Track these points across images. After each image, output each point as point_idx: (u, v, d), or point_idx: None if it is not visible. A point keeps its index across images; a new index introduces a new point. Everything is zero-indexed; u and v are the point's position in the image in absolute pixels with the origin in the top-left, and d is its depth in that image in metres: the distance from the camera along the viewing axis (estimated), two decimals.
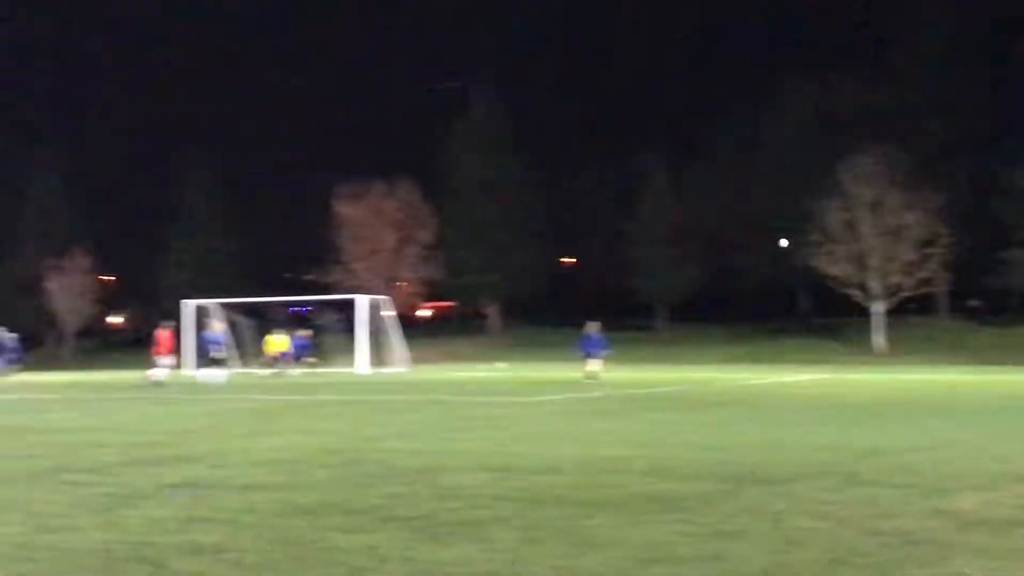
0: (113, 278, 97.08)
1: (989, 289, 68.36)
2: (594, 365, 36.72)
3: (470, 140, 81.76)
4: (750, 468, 13.02)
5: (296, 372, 49.57)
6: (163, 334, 42.48)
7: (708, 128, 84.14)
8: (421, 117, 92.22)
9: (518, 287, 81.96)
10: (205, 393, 33.64)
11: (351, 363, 53.27)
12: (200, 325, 57.14)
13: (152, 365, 42.17)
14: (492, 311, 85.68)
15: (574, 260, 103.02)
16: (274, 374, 48.82)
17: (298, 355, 50.18)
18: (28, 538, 9.25)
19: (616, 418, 21.72)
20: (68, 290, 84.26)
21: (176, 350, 42.12)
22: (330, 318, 58.25)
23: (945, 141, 68.25)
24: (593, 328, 37.39)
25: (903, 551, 8.33)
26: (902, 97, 69.44)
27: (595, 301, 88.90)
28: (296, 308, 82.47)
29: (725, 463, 13.58)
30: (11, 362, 47.28)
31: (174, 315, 62.16)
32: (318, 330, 57.98)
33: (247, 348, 57.02)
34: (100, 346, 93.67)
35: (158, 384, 39.27)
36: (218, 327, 44.79)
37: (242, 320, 58.25)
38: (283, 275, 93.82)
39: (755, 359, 61.46)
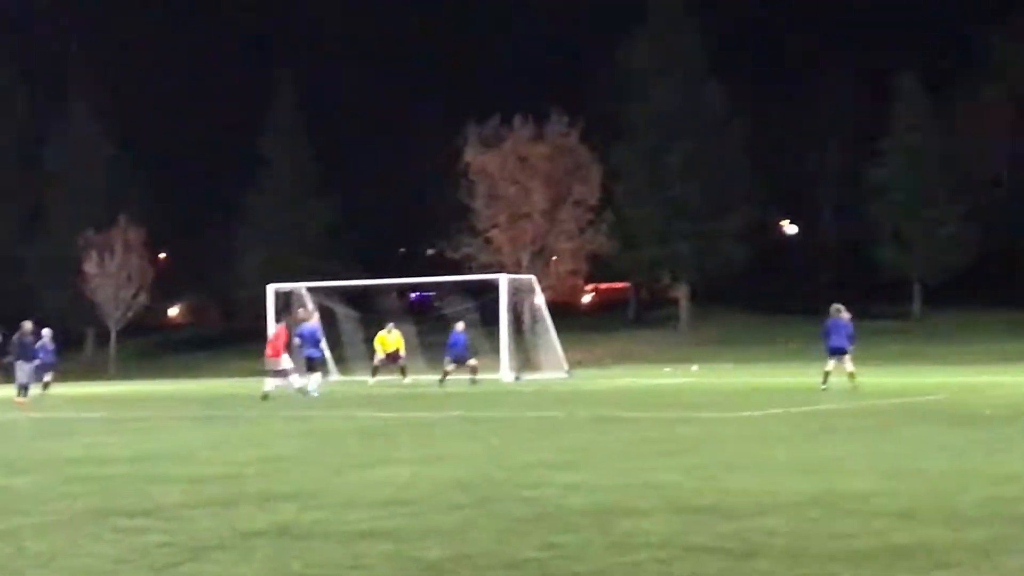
0: (167, 257, 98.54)
1: None
2: (845, 364, 36.19)
3: (649, 60, 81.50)
4: None
5: (410, 380, 49.85)
6: (281, 330, 43.38)
7: (978, 36, 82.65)
8: (580, 30, 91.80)
9: (717, 262, 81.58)
10: (294, 409, 34.10)
11: (489, 368, 53.59)
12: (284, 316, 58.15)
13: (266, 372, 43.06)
14: (680, 294, 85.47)
15: (793, 225, 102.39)
16: (393, 382, 49.27)
17: (457, 357, 49.37)
18: None
19: (856, 439, 21.49)
20: (112, 273, 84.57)
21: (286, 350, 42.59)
22: (459, 307, 58.56)
23: None
24: (842, 313, 37.16)
25: None
26: None
27: (825, 280, 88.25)
28: (417, 294, 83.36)
29: (1009, 500, 13.35)
30: (45, 368, 48.04)
31: (252, 304, 63.29)
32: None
33: (349, 347, 57.76)
34: (155, 346, 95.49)
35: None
36: (311, 318, 45.31)
37: (342, 310, 59.01)
38: (397, 250, 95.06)
39: None
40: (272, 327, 55.93)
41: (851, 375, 35.55)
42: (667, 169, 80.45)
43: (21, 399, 40.16)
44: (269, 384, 40.83)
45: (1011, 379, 42.71)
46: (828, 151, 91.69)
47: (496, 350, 53.64)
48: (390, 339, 51.72)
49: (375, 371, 51.38)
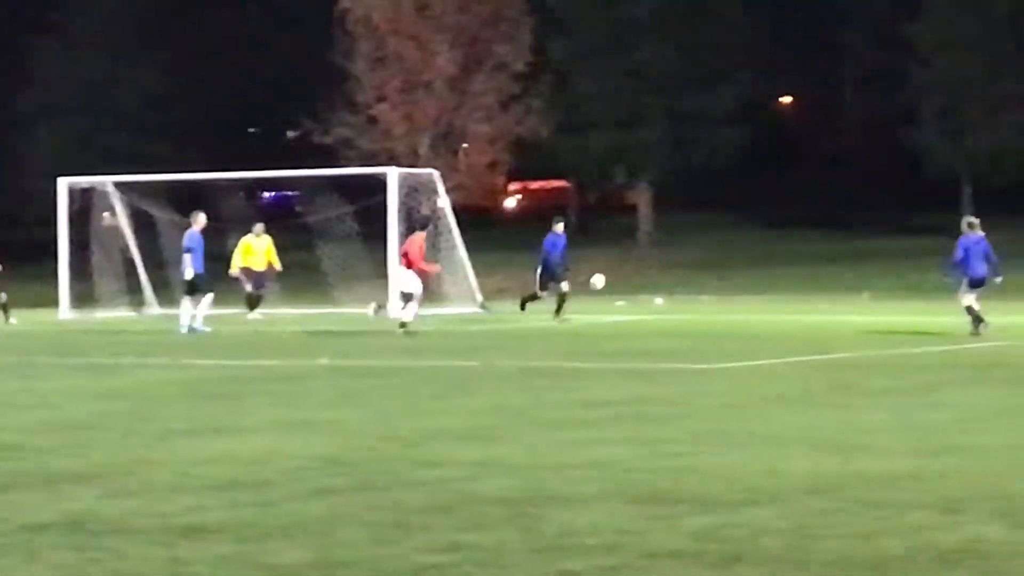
0: None
1: None
2: (969, 299, 35.53)
3: None
4: None
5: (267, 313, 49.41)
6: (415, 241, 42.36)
7: None
8: None
9: (698, 154, 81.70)
10: (102, 352, 34.09)
11: (370, 298, 53.62)
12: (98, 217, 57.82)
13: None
14: (641, 199, 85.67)
15: (794, 100, 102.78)
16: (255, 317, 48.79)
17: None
18: None
19: (885, 403, 21.70)
20: None
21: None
22: (332, 212, 58.43)
23: None
24: (977, 228, 36.38)
25: None
26: None
27: (845, 180, 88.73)
28: (273, 193, 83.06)
29: None
30: None
31: (40, 203, 62.87)
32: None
33: (176, 268, 57.54)
34: None
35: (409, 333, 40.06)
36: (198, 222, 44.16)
37: (166, 215, 58.76)
38: (245, 131, 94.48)
39: None
40: (66, 244, 55.72)
41: (979, 314, 35.06)
42: (630, 21, 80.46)
43: None
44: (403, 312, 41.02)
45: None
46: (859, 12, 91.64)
47: (384, 275, 53.60)
48: (258, 246, 50.37)
49: (253, 299, 50.11)
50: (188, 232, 43.49)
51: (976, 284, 34.74)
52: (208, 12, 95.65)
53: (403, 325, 39.81)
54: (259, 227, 50.92)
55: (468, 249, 55.32)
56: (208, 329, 41.28)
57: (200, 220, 44.05)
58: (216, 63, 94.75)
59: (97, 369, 29.88)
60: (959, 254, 35.05)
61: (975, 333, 34.32)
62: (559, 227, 48.62)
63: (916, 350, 31.88)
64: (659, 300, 55.69)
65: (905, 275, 60.44)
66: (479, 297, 54.23)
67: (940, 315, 40.73)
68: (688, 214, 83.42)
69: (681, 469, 15.02)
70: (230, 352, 34.55)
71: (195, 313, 41.54)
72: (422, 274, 41.13)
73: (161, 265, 57.64)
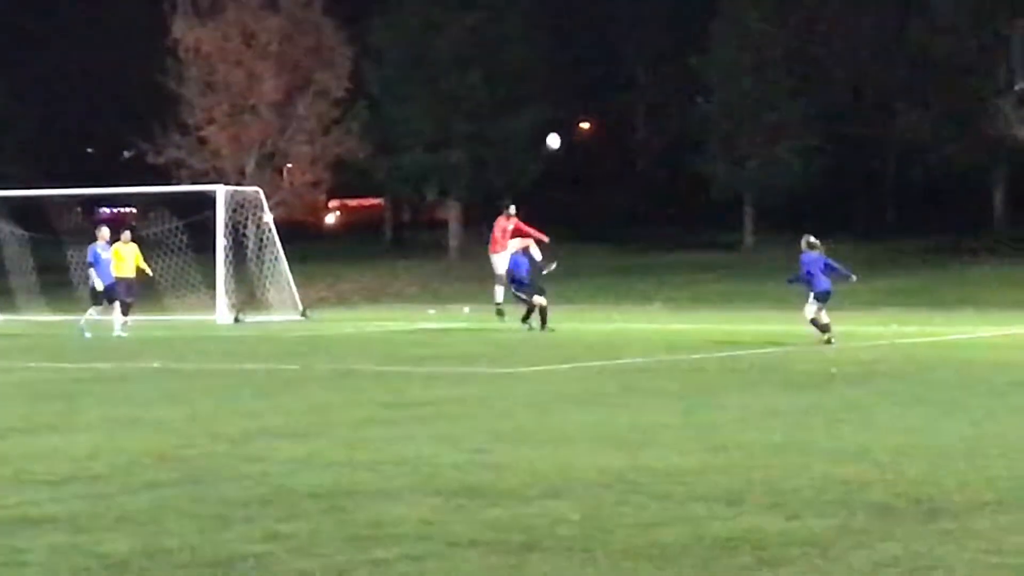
0: None
1: None
2: (811, 311, 34.13)
3: None
4: (902, 490, 13.10)
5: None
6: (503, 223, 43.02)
7: None
8: None
9: (501, 173, 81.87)
10: None
11: (201, 307, 53.35)
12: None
13: None
14: (450, 215, 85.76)
15: (591, 126, 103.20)
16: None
17: None
18: None
19: (670, 403, 21.81)
20: None
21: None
22: (163, 226, 58.07)
23: None
24: (813, 243, 34.54)
25: None
26: None
27: (635, 199, 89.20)
28: (109, 210, 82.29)
29: (858, 482, 13.65)
30: None
31: None
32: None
33: (15, 276, 57.06)
34: None
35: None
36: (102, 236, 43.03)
37: (5, 227, 58.18)
38: (84, 151, 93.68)
39: (913, 298, 61.50)
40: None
41: (828, 326, 34.15)
42: (439, 52, 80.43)
43: None
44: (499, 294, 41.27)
45: (863, 328, 43.60)
46: (646, 34, 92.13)
47: (211, 285, 53.37)
48: (126, 252, 45.99)
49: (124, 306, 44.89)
50: (90, 247, 42.43)
51: (822, 298, 33.67)
52: (50, 39, 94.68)
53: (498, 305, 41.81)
54: (126, 235, 46.97)
55: (290, 260, 55.19)
56: (123, 334, 40.73)
57: (103, 235, 43.03)
58: (56, 88, 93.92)
59: None
60: (803, 270, 34.12)
61: (826, 341, 33.62)
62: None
63: (700, 355, 32.11)
64: (466, 309, 55.73)
65: (693, 286, 60.86)
66: (300, 305, 54.11)
67: (725, 323, 41.10)
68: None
69: (482, 464, 15.05)
70: (67, 356, 34.22)
71: (114, 319, 40.82)
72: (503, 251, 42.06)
73: (2, 274, 57.17)
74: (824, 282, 32.52)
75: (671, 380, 26.23)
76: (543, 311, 41.74)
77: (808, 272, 32.54)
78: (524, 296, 42.37)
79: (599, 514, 12.15)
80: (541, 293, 42.22)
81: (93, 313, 40.79)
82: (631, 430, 18.07)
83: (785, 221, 74.45)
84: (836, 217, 78.36)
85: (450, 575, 10.02)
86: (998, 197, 76.36)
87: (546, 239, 43.35)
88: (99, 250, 41.61)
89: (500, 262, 42.31)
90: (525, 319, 42.39)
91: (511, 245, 42.57)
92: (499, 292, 42.49)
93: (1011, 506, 12.34)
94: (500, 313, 41.08)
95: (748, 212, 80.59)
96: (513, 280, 42.48)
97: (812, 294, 33.40)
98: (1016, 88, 61.57)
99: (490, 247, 43.44)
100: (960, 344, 36.69)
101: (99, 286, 41.14)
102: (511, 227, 43.10)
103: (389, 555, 10.60)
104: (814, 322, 34.13)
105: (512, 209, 43.78)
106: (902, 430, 17.80)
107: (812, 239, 33.98)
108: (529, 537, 11.22)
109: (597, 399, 22.59)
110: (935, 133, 72.15)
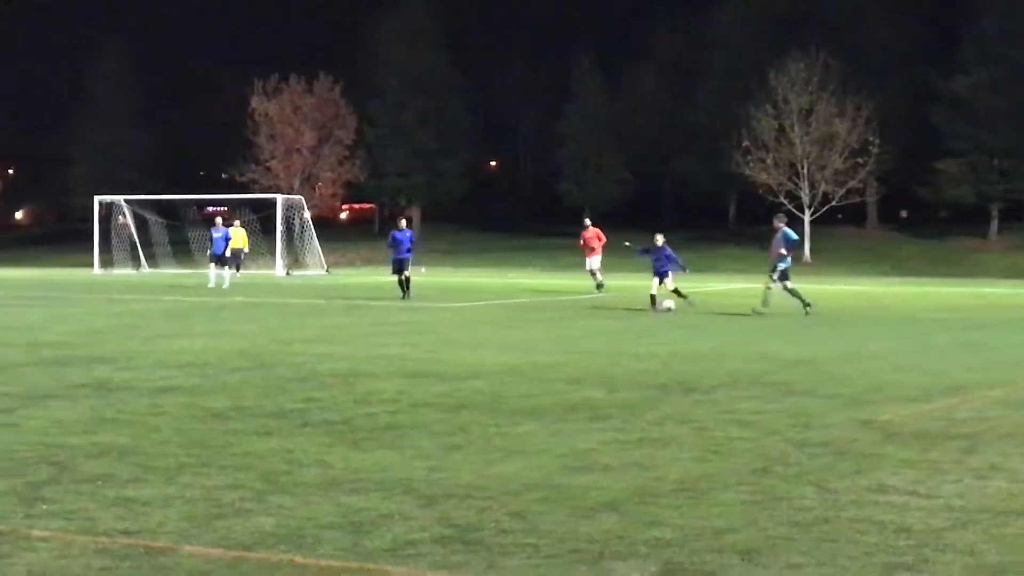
0: (11, 171, 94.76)
1: (920, 200, 69.19)
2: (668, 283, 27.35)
3: (395, 36, 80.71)
4: (676, 377, 13.15)
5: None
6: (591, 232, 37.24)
7: (645, 30, 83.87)
8: (344, 11, 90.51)
9: (441, 190, 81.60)
10: (116, 293, 33.26)
11: (267, 266, 52.87)
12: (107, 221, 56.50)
13: None
14: (414, 214, 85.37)
15: (494, 163, 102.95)
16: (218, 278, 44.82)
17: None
18: None
19: (541, 326, 21.80)
20: None
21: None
22: (243, 218, 57.43)
23: (881, 48, 68.67)
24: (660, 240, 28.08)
25: (828, 460, 8.45)
26: (838, 2, 69.74)
27: (522, 206, 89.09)
28: (211, 207, 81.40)
29: (653, 372, 13.70)
30: None
31: (82, 210, 61.15)
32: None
33: (158, 246, 56.57)
34: (3, 242, 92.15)
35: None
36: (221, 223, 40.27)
37: (153, 217, 57.60)
38: (202, 173, 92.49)
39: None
40: (97, 232, 54.50)
41: (676, 291, 27.15)
42: (408, 119, 79.82)
43: None
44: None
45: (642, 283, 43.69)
46: (529, 109, 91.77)
47: (272, 252, 52.96)
48: (238, 233, 43.50)
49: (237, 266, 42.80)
50: (212, 229, 39.39)
51: (660, 276, 27.00)
52: (182, 107, 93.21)
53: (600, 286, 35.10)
54: (237, 223, 44.73)
55: (319, 239, 54.84)
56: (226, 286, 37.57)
57: (219, 222, 39.98)
58: (182, 134, 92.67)
59: (111, 301, 29.20)
60: (653, 256, 27.58)
61: (663, 309, 25.66)
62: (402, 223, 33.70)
63: (559, 299, 32.10)
64: (423, 270, 55.33)
65: (554, 259, 60.74)
66: (325, 266, 53.75)
67: (574, 280, 40.93)
68: (439, 223, 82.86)
69: (431, 360, 15.00)
70: (188, 293, 33.84)
71: (225, 274, 38.17)
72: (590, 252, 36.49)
73: (153, 245, 56.68)
74: (664, 265, 27.25)
75: (542, 312, 26.23)
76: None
77: (656, 257, 27.39)
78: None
79: (500, 389, 12.14)
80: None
81: (213, 268, 39.29)
82: (519, 340, 18.06)
83: (609, 221, 74.64)
84: (640, 219, 78.70)
85: (414, 422, 9.99)
86: (732, 208, 76.69)
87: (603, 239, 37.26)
88: (216, 232, 40.02)
89: (594, 262, 36.49)
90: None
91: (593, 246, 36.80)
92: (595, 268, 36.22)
93: (741, 385, 12.44)
94: (599, 286, 35.02)
95: (587, 214, 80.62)
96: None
97: (655, 274, 27.39)
98: (743, 145, 61.78)
99: (590, 251, 36.84)
100: (703, 293, 36.84)
101: (226, 251, 38.46)
102: (591, 232, 37.17)
103: (377, 411, 10.58)
104: (675, 292, 27.30)
105: (588, 221, 38.63)
106: (673, 342, 17.88)
107: (659, 236, 28.22)
108: (459, 402, 11.21)
109: (499, 322, 22.55)
110: (696, 171, 72.59)
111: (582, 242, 37.62)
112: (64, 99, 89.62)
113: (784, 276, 25.03)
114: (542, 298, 32.09)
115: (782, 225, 25.39)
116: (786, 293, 24.71)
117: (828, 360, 15.20)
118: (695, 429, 9.73)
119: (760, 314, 23.97)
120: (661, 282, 26.78)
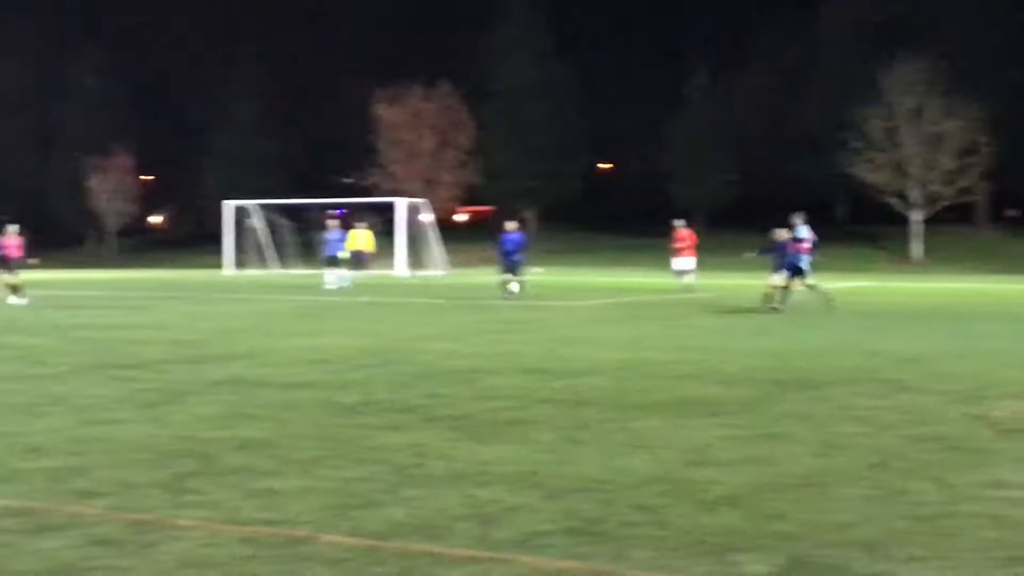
0: (153, 178, 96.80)
1: None
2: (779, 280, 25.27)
3: (511, 43, 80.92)
4: (794, 374, 13.01)
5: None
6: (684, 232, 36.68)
7: (754, 33, 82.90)
8: (462, 20, 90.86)
9: (556, 192, 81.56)
10: (247, 292, 33.79)
11: (390, 266, 53.34)
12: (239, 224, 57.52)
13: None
14: (529, 216, 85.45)
15: (610, 165, 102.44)
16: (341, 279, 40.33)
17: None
18: (76, 431, 9.34)
19: (656, 324, 21.71)
20: (109, 189, 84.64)
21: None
22: (367, 220, 57.97)
23: (989, 48, 67.21)
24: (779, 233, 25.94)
25: (943, 456, 8.30)
26: (946, 3, 68.41)
27: (633, 208, 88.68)
28: (339, 211, 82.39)
29: (769, 369, 13.57)
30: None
31: (216, 213, 62.20)
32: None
33: (288, 247, 57.48)
34: (141, 245, 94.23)
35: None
36: (334, 225, 39.93)
37: (282, 220, 58.51)
38: (327, 177, 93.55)
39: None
40: (228, 235, 55.51)
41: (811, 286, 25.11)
42: (523, 124, 79.96)
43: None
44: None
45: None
46: (640, 112, 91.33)
47: (392, 254, 53.47)
48: (362, 235, 42.15)
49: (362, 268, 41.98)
50: (329, 231, 39.06)
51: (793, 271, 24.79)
52: (304, 116, 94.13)
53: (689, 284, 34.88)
54: (363, 224, 43.23)
55: (440, 241, 55.19)
56: (345, 284, 37.70)
57: (334, 224, 39.75)
58: (310, 144, 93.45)
59: (245, 301, 29.68)
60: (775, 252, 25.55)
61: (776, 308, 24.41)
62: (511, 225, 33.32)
63: (670, 297, 31.95)
64: (540, 269, 55.39)
65: (663, 259, 60.30)
66: (449, 265, 54.14)
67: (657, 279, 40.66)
68: (555, 224, 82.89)
69: (550, 356, 15.01)
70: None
71: (345, 275, 38.11)
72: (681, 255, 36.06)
73: (280, 247, 57.50)
74: (797, 259, 24.65)
75: (655, 310, 26.12)
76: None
77: (779, 254, 25.21)
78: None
79: (618, 385, 12.12)
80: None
81: (335, 270, 38.82)
82: (634, 338, 18.01)
83: (716, 224, 74.28)
84: (752, 220, 78.00)
85: (535, 417, 10.01)
86: (840, 209, 75.67)
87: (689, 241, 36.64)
88: (331, 235, 39.43)
89: (686, 264, 36.18)
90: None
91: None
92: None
93: (855, 382, 12.26)
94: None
95: (697, 216, 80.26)
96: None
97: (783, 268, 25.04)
98: (853, 146, 60.84)
99: (682, 252, 36.50)
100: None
101: (341, 253, 38.57)
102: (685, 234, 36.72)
103: (498, 406, 10.61)
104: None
105: (677, 223, 37.81)
106: (786, 339, 17.69)
107: (782, 231, 25.73)
108: (579, 397, 11.21)
109: (613, 320, 22.52)
110: (805, 171, 71.72)
111: (681, 243, 36.69)
112: (200, 108, 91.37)
113: (797, 272, 24.81)
114: (653, 297, 31.95)
115: (799, 222, 25.41)
116: (799, 289, 24.70)
117: (939, 357, 14.93)
118: (812, 425, 9.62)
119: (777, 311, 23.87)
120: (792, 276, 24.70)
